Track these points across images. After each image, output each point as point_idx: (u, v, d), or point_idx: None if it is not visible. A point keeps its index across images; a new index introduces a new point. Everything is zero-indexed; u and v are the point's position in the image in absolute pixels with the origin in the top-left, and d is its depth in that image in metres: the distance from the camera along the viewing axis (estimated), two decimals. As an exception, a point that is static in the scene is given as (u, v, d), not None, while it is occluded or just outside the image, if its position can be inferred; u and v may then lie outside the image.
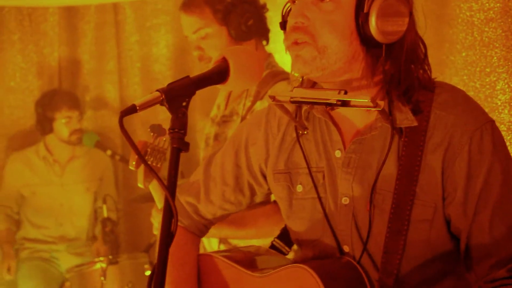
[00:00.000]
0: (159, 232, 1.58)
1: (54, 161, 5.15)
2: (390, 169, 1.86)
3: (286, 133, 2.06)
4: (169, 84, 1.63)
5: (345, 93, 1.81)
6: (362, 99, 1.78)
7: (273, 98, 1.91)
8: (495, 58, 3.39)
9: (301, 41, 1.81)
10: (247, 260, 2.19)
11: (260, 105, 2.90)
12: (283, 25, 1.92)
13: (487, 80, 3.43)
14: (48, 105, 5.11)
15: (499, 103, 3.40)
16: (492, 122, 1.84)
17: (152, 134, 2.79)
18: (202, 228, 2.27)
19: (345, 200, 1.92)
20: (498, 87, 3.39)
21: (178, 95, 1.62)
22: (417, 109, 1.84)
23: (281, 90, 1.98)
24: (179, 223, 2.22)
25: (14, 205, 5.14)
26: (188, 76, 1.68)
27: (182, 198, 2.24)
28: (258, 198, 2.24)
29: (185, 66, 5.38)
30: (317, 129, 2.00)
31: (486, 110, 3.34)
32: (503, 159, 1.82)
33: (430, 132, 1.83)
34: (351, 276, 1.90)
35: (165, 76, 5.41)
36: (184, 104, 1.63)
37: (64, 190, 5.14)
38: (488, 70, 3.41)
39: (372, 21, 1.78)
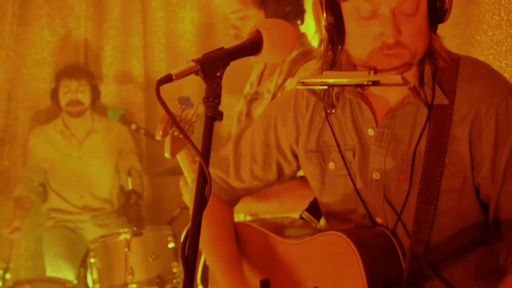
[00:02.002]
0: (193, 198, 1.61)
1: (71, 135, 5.22)
2: (420, 142, 1.91)
3: (314, 112, 2.10)
4: (204, 55, 1.67)
5: (375, 72, 1.85)
6: (392, 77, 1.83)
7: (302, 83, 1.94)
8: (522, 37, 3.40)
9: (394, 53, 1.84)
10: (280, 229, 2.24)
11: (290, 83, 2.92)
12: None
13: (512, 58, 3.45)
14: (56, 78, 5.22)
15: (526, 83, 3.41)
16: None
17: (180, 106, 2.82)
18: (234, 198, 2.31)
19: (376, 176, 1.97)
20: (525, 66, 3.41)
21: (212, 65, 1.66)
22: (444, 84, 1.90)
23: (310, 73, 2.00)
24: (215, 196, 2.27)
25: (36, 176, 5.22)
26: (222, 47, 1.71)
27: (212, 171, 2.28)
28: (286, 176, 2.28)
29: (210, 42, 5.41)
30: (347, 107, 2.03)
31: (511, 89, 3.37)
32: None
33: (456, 105, 1.88)
34: (383, 244, 1.95)
35: (190, 52, 5.45)
36: (218, 74, 1.66)
37: (82, 163, 5.22)
38: (514, 49, 3.43)
39: (446, 9, 1.86)
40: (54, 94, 5.22)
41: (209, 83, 1.65)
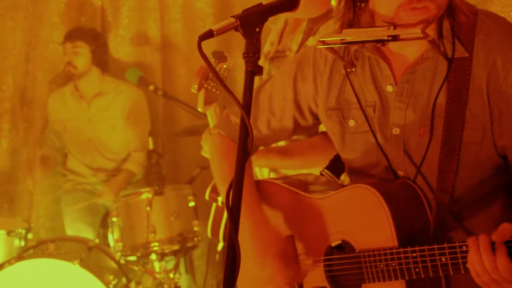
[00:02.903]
0: (237, 150, 1.67)
1: (81, 96, 5.26)
2: (440, 95, 1.96)
3: (333, 69, 2.15)
4: (243, 11, 1.72)
5: (394, 28, 1.89)
6: (412, 31, 1.87)
7: (323, 42, 1.99)
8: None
9: (422, 6, 1.87)
10: (304, 185, 2.30)
11: (312, 41, 2.96)
12: None
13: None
14: (63, 39, 5.22)
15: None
16: None
17: (214, 60, 2.89)
18: (252, 148, 2.36)
19: (395, 131, 2.03)
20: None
21: (251, 21, 1.70)
22: (463, 37, 1.94)
23: (330, 32, 2.05)
24: (232, 139, 2.33)
25: (55, 139, 5.32)
26: (261, 3, 1.75)
27: (232, 119, 2.34)
28: (300, 131, 2.33)
29: (227, 3, 5.43)
30: (366, 65, 2.08)
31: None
32: None
33: (475, 58, 1.92)
34: (408, 194, 2.01)
35: (206, 13, 5.47)
36: (257, 30, 1.71)
37: (91, 125, 5.25)
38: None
39: None
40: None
41: (249, 39, 1.70)
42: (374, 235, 1.97)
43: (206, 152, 3.09)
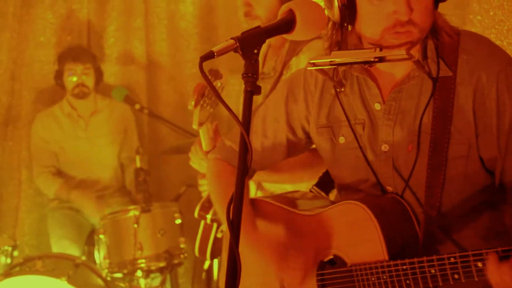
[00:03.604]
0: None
1: (79, 116, 5.28)
2: (426, 113, 2.04)
3: (324, 89, 2.24)
4: (242, 33, 1.80)
5: (380, 49, 1.99)
6: (397, 52, 1.97)
7: (313, 64, 2.08)
8: (523, 17, 3.51)
9: (405, 31, 1.97)
10: (292, 202, 2.37)
11: (296, 61, 3.03)
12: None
13: (514, 38, 3.55)
14: (59, 59, 5.25)
15: (526, 61, 3.51)
16: (509, 64, 2.02)
17: (210, 77, 2.96)
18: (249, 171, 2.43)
19: (385, 147, 2.11)
20: (525, 45, 3.52)
21: (250, 43, 1.78)
22: (446, 57, 2.03)
23: (319, 54, 2.13)
24: (228, 162, 2.40)
25: (53, 161, 5.28)
26: (259, 26, 1.83)
27: (227, 142, 2.42)
28: (295, 152, 2.41)
29: (211, 24, 5.51)
30: (355, 84, 2.17)
31: (512, 67, 3.47)
32: None
33: (459, 77, 2.01)
34: (397, 209, 2.08)
35: (190, 33, 5.55)
36: (255, 51, 1.79)
37: (90, 144, 5.28)
38: (516, 28, 3.54)
39: None
40: (59, 76, 5.25)
41: (248, 59, 1.77)
42: (365, 249, 2.03)
43: (194, 163, 3.16)
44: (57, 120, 5.30)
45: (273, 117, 2.34)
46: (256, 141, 2.37)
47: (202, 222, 3.62)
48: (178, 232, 4.64)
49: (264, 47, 3.21)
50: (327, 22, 1.96)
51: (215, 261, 4.67)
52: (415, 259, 1.94)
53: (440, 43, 2.04)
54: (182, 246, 4.62)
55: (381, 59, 1.99)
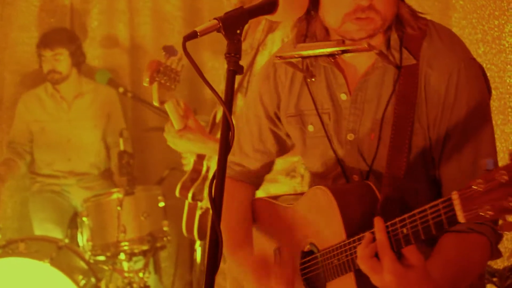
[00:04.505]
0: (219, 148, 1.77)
1: (61, 98, 5.30)
2: (390, 102, 2.06)
3: (293, 79, 2.26)
4: (225, 13, 1.83)
5: (343, 42, 2.03)
6: (360, 45, 2.00)
7: (280, 57, 2.13)
8: (504, 2, 3.54)
9: (366, 17, 1.97)
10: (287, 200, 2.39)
11: (271, 38, 3.06)
12: None
13: (495, 22, 3.59)
14: (37, 45, 5.27)
15: (507, 45, 3.57)
16: (471, 59, 2.04)
17: (164, 54, 3.00)
18: (250, 176, 2.45)
19: (350, 136, 2.13)
20: (506, 30, 3.56)
21: (233, 23, 1.81)
22: (411, 46, 2.04)
23: (284, 46, 2.16)
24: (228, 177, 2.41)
25: (26, 141, 5.30)
26: (242, 7, 1.86)
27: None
28: (286, 145, 2.41)
29: (195, 7, 5.53)
30: (322, 74, 2.19)
31: (493, 51, 3.54)
32: (476, 95, 2.01)
33: (421, 68, 2.03)
34: (362, 191, 2.05)
35: (175, 16, 5.56)
36: (238, 31, 1.82)
37: (71, 126, 5.30)
38: (497, 13, 3.58)
39: None
40: (39, 61, 5.29)
41: (230, 39, 1.81)
42: (329, 232, 2.02)
43: (169, 142, 3.22)
44: (40, 101, 5.32)
45: (253, 113, 2.37)
46: (246, 141, 2.40)
47: (186, 202, 3.65)
48: (162, 215, 4.69)
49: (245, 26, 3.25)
50: (307, 4, 1.98)
51: (198, 245, 4.71)
52: (364, 233, 1.88)
53: (406, 34, 2.05)
54: (165, 229, 4.67)
55: (344, 51, 2.03)
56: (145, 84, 3.01)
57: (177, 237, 5.13)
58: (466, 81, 2.00)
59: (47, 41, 5.19)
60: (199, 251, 4.34)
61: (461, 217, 1.62)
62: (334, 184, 2.16)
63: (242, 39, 3.20)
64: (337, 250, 1.98)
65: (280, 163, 2.95)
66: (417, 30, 2.04)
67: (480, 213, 1.56)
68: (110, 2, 5.60)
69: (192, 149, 3.24)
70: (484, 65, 2.13)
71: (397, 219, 1.79)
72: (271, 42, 3.06)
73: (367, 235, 1.85)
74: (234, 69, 1.80)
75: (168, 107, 3.10)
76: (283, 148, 2.41)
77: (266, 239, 2.33)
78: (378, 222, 1.82)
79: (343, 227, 1.96)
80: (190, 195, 3.52)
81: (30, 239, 4.59)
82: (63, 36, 5.30)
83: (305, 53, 2.08)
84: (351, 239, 1.92)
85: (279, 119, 2.32)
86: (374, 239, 1.82)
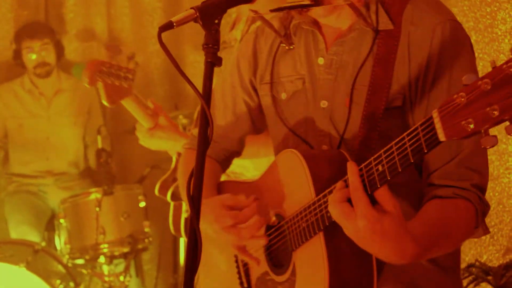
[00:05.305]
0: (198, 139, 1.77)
1: (40, 94, 5.28)
2: (368, 66, 2.03)
3: (272, 47, 2.26)
4: (202, 2, 1.82)
5: None
6: None
7: (255, 11, 2.10)
8: (497, -12, 3.56)
9: None
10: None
11: (253, 27, 3.06)
12: None
13: (488, 10, 3.60)
14: (15, 38, 5.24)
15: (499, 33, 3.58)
16: (456, 21, 2.01)
17: (107, 53, 3.00)
18: (218, 152, 2.45)
19: (323, 104, 2.11)
20: (498, 17, 3.56)
21: (211, 13, 1.80)
22: (392, 10, 2.03)
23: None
24: (193, 148, 2.42)
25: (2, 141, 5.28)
26: (220, -5, 1.85)
27: (194, 131, 2.44)
28: (259, 120, 2.39)
29: (174, -3, 5.52)
30: (303, 41, 2.18)
31: (486, 40, 3.54)
32: (460, 49, 1.98)
33: (404, 28, 2.01)
34: (332, 156, 2.01)
35: (154, 7, 5.55)
36: (216, 21, 1.81)
37: (50, 124, 5.28)
38: (489, 0, 3.59)
39: None
40: (17, 55, 5.24)
41: (208, 30, 1.79)
42: (297, 197, 1.98)
43: (142, 141, 3.27)
44: (17, 96, 5.30)
45: (229, 84, 2.37)
46: (219, 113, 2.39)
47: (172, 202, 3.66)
48: (142, 216, 4.67)
49: (232, 17, 3.25)
50: None
51: (181, 246, 4.71)
52: (334, 185, 1.83)
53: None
54: (146, 230, 4.65)
55: (317, 3, 2.00)
56: (86, 85, 3.01)
57: (159, 238, 5.12)
58: (450, 35, 1.97)
59: (32, 32, 5.17)
60: (183, 253, 4.35)
61: (441, 135, 1.54)
62: (303, 149, 2.09)
63: (229, 29, 3.26)
64: (306, 211, 1.93)
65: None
66: None
67: (462, 127, 1.48)
68: (86, -7, 5.58)
69: (164, 147, 3.25)
70: (476, 55, 2.11)
71: (371, 158, 1.74)
72: None
73: (340, 182, 1.80)
74: (212, 60, 1.79)
75: (127, 105, 3.11)
76: (254, 125, 2.39)
77: None
78: (351, 166, 1.75)
79: (312, 187, 1.92)
80: (169, 194, 3.52)
81: (5, 242, 4.55)
82: (46, 26, 5.32)
83: (277, 6, 2.04)
84: (320, 196, 1.88)
85: (254, 89, 2.31)
86: (346, 186, 1.76)
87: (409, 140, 1.63)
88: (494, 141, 1.45)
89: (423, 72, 1.97)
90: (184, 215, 3.60)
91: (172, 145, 3.20)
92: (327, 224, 1.86)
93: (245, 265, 2.26)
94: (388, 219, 1.69)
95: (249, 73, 2.31)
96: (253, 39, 2.31)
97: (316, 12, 2.06)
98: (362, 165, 1.76)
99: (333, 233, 1.87)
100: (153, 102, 3.19)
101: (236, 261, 2.29)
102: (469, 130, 1.47)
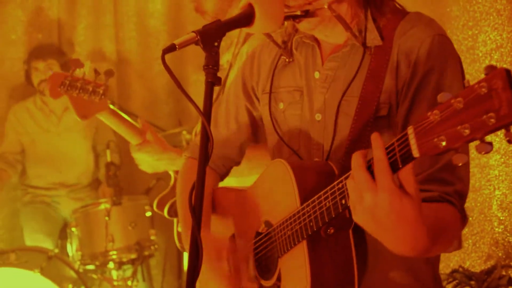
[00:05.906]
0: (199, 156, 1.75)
1: (50, 111, 5.28)
2: (358, 80, 2.00)
3: (274, 59, 2.25)
4: (203, 26, 1.81)
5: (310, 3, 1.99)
6: (319, 6, 1.97)
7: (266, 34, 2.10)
8: (477, 13, 3.56)
9: None
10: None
11: (246, 47, 3.03)
12: None
13: (469, 33, 3.60)
14: (26, 60, 5.26)
15: (480, 54, 3.59)
16: (443, 35, 1.97)
17: (70, 66, 2.91)
18: (218, 162, 2.42)
19: (318, 116, 2.09)
20: (479, 39, 3.57)
21: (211, 36, 1.79)
22: (384, 27, 2.00)
23: None
24: (193, 157, 2.41)
25: (17, 151, 5.29)
26: (219, 20, 1.85)
27: (196, 139, 2.42)
28: (258, 131, 2.38)
29: (179, 21, 5.52)
30: (303, 55, 2.18)
31: (467, 61, 3.54)
32: (448, 59, 1.94)
33: (395, 41, 1.97)
34: (319, 167, 1.99)
35: (159, 30, 5.56)
36: (216, 44, 1.80)
37: (61, 139, 5.29)
38: (470, 24, 3.59)
39: None
40: (28, 76, 5.26)
41: (208, 52, 1.79)
42: (284, 206, 1.95)
43: (136, 160, 3.24)
44: (30, 113, 5.31)
45: (233, 93, 2.36)
46: (222, 121, 2.38)
47: None
48: (149, 225, 4.68)
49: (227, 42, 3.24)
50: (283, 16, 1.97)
51: (185, 253, 4.69)
52: (316, 195, 1.81)
53: (382, 16, 2.01)
54: (152, 238, 4.65)
55: (307, 13, 1.99)
56: (52, 98, 2.93)
57: (164, 246, 5.11)
58: (438, 47, 1.93)
59: (38, 54, 5.19)
60: (186, 259, 4.32)
61: (415, 151, 1.46)
62: (293, 160, 2.08)
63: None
64: (291, 219, 1.90)
65: None
66: (399, 13, 2.00)
67: (435, 144, 1.42)
68: (96, 17, 5.61)
69: (150, 161, 3.19)
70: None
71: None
72: (240, 56, 3.01)
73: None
74: (212, 80, 1.78)
75: (105, 119, 3.03)
76: (254, 134, 2.37)
77: (222, 228, 2.29)
78: (376, 138, 1.58)
79: (298, 197, 1.88)
80: (166, 210, 3.49)
81: (21, 249, 4.56)
82: (53, 49, 5.33)
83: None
84: (304, 205, 1.85)
85: (257, 98, 2.30)
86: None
87: (388, 153, 1.55)
88: (465, 158, 1.40)
89: (408, 80, 1.93)
90: (179, 229, 3.56)
91: (157, 158, 3.15)
92: (309, 233, 1.83)
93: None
94: (408, 200, 1.54)
95: (251, 81, 2.30)
96: (258, 52, 2.31)
97: (303, 26, 2.04)
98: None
99: (317, 242, 1.84)
100: (142, 119, 3.12)
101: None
102: (441, 147, 1.41)
